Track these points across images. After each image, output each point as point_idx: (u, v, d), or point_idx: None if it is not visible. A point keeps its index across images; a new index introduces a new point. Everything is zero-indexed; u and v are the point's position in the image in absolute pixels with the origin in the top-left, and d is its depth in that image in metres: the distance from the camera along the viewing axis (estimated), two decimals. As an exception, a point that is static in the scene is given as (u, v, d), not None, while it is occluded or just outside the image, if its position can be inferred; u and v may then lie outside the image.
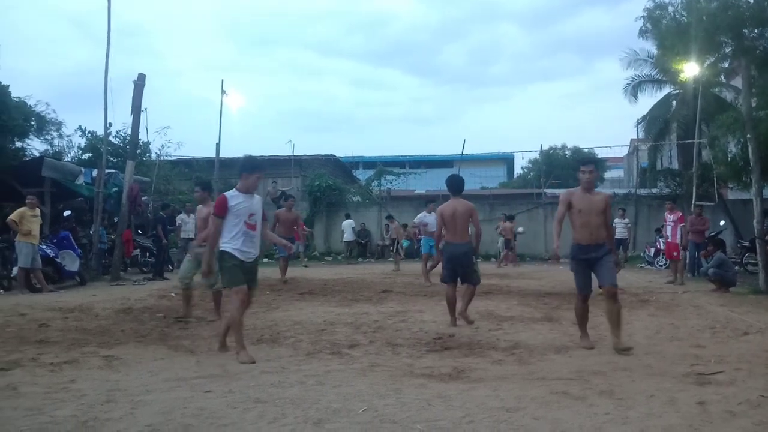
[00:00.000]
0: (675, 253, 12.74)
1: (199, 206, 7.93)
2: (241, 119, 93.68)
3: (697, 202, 15.56)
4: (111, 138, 18.31)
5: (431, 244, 11.22)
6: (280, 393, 4.13)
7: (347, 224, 21.33)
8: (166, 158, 22.04)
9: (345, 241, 21.74)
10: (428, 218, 12.30)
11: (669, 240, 12.94)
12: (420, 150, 77.87)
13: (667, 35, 20.05)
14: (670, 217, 12.85)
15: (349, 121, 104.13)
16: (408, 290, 10.96)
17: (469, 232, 7.46)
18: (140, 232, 17.19)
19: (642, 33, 22.23)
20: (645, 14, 21.72)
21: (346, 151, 62.66)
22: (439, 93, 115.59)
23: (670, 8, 20.82)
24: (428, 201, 14.23)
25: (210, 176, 21.94)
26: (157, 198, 19.29)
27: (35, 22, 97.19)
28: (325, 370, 4.89)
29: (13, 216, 10.70)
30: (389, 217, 19.80)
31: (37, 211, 11.13)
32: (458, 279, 7.33)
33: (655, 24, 21.25)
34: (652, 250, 18.08)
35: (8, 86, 14.51)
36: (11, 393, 4.16)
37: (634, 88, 24.64)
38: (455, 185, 7.51)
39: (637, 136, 27.20)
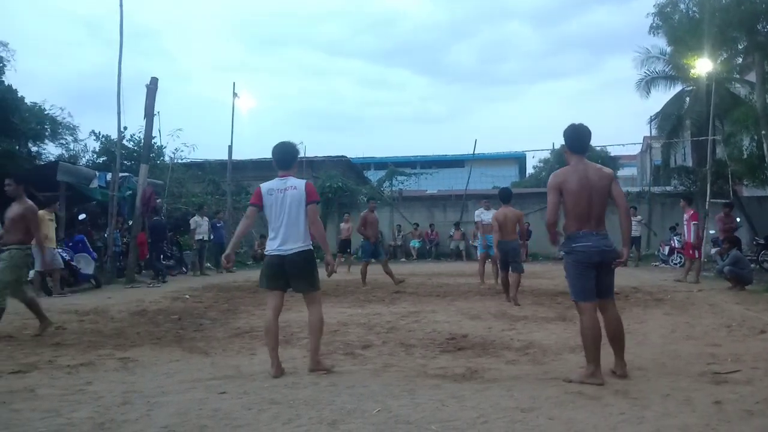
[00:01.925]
0: (691, 251, 12.64)
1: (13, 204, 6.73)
2: (251, 120, 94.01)
3: (711, 200, 15.40)
4: (125, 142, 18.48)
5: (490, 243, 11.01)
6: (294, 394, 4.15)
7: None
8: (179, 161, 22.20)
9: None
10: (485, 215, 11.62)
11: (685, 238, 12.86)
12: (430, 149, 77.85)
13: (679, 31, 19.92)
14: (684, 216, 12.77)
15: (359, 120, 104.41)
16: (420, 291, 10.96)
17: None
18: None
19: (653, 29, 22.10)
20: (656, 10, 21.60)
21: (355, 151, 62.74)
22: (448, 92, 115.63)
23: (682, 5, 20.68)
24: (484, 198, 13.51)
25: (222, 178, 22.11)
26: (170, 201, 19.43)
27: (48, 25, 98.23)
28: (338, 370, 4.89)
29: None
30: (346, 213, 19.14)
31: (53, 215, 11.22)
32: (509, 267, 9.14)
33: (665, 20, 21.12)
34: (667, 249, 17.95)
35: (20, 94, 14.72)
36: (29, 395, 4.21)
37: (647, 84, 24.50)
38: (505, 196, 9.46)
39: (650, 134, 27.00)
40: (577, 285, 4.54)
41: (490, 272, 11.77)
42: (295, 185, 4.87)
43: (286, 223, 4.79)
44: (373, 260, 11.95)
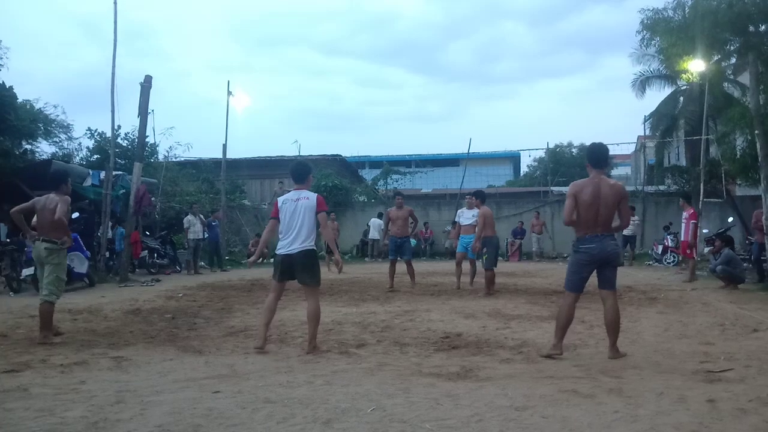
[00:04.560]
0: (689, 250, 12.70)
1: None
2: (248, 119, 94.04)
3: (705, 199, 15.50)
4: (119, 140, 18.41)
5: (465, 243, 10.97)
6: (288, 393, 4.15)
7: (377, 223, 21.01)
8: (173, 159, 22.13)
9: (371, 238, 21.69)
10: (464, 216, 11.26)
11: (682, 237, 12.95)
12: (426, 148, 77.93)
13: (668, 36, 19.95)
14: (683, 215, 12.87)
15: (355, 120, 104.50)
16: (415, 289, 10.95)
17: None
18: (148, 233, 17.27)
19: (645, 41, 22.13)
20: (641, 26, 21.61)
21: (352, 150, 62.77)
22: (444, 91, 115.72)
23: (669, 12, 20.66)
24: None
25: (217, 177, 22.06)
26: (164, 200, 19.38)
27: (44, 25, 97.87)
28: (333, 369, 4.90)
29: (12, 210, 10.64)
30: (332, 213, 18.92)
31: None
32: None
33: (654, 31, 21.13)
34: (660, 248, 18.01)
35: (12, 87, 14.59)
36: (22, 394, 4.19)
37: (642, 84, 24.53)
38: (482, 197, 10.66)
39: (644, 133, 27.08)
40: (570, 278, 5.32)
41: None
42: (308, 197, 5.75)
43: (297, 227, 5.65)
44: (399, 258, 11.35)
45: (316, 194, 5.83)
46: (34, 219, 6.90)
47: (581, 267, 5.23)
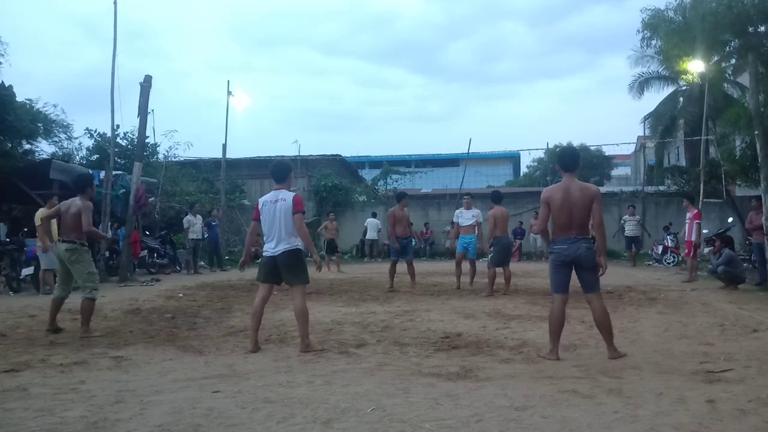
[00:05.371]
0: (686, 251, 12.72)
1: None
2: (248, 119, 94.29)
3: (705, 199, 15.49)
4: (118, 140, 18.41)
5: (465, 243, 11.09)
6: (288, 393, 4.15)
7: (374, 224, 20.95)
8: (173, 159, 22.14)
9: (368, 239, 21.64)
10: (464, 216, 11.20)
11: (686, 237, 12.98)
12: (426, 149, 78.06)
13: (669, 38, 19.97)
14: (687, 215, 12.92)
15: (355, 120, 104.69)
16: (415, 289, 10.95)
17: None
18: (147, 233, 17.27)
19: (645, 40, 22.13)
20: (642, 25, 21.60)
21: (352, 150, 62.86)
22: (444, 91, 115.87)
23: (670, 13, 20.66)
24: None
25: (217, 177, 22.05)
26: (164, 199, 19.37)
27: (44, 25, 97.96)
28: (332, 369, 4.90)
29: (41, 217, 10.66)
30: (331, 213, 18.43)
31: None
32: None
33: (655, 31, 21.15)
34: (660, 248, 18.02)
35: (11, 86, 14.60)
36: (21, 394, 4.19)
37: (641, 85, 24.56)
38: (497, 197, 10.65)
39: (644, 133, 27.09)
40: (552, 279, 5.43)
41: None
42: (285, 197, 5.70)
43: (277, 229, 5.66)
44: (400, 259, 11.35)
45: (294, 194, 5.79)
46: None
47: (556, 267, 5.32)
